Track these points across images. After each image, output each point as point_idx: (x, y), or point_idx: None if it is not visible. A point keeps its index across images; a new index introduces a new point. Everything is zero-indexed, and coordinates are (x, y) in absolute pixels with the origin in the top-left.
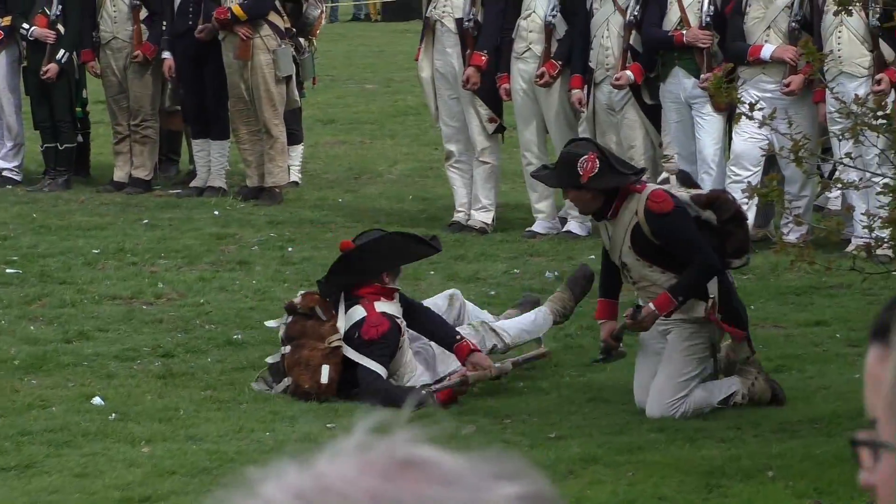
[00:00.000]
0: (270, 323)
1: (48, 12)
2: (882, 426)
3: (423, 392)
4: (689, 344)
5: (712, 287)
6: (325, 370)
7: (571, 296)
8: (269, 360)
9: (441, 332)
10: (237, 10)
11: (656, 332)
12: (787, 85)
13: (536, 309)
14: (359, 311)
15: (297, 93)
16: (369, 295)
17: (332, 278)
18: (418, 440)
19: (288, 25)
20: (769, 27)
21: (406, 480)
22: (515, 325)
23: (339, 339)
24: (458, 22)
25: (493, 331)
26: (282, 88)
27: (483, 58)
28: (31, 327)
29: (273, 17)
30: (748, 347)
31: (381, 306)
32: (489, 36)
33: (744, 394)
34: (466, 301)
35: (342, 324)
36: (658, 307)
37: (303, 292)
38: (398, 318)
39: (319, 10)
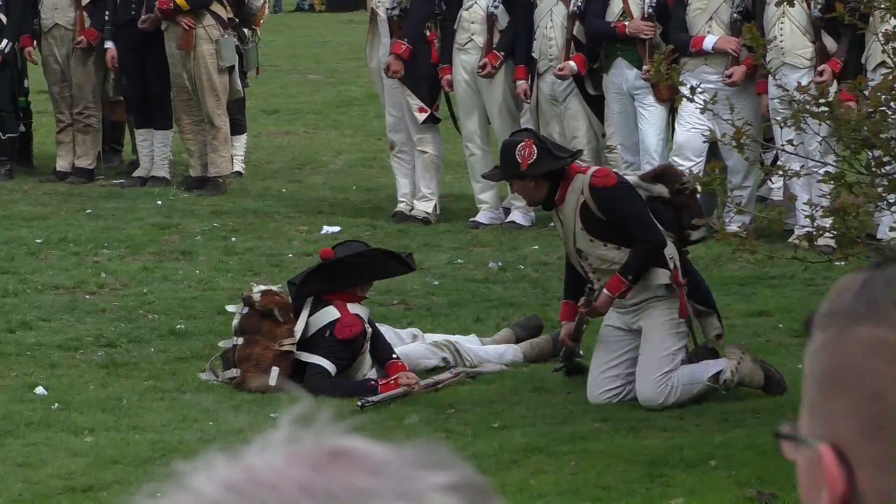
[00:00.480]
0: (230, 307)
1: None
2: (801, 419)
3: (360, 402)
4: (666, 319)
5: (672, 256)
6: (275, 373)
7: (552, 349)
8: (222, 344)
9: (381, 347)
10: (180, 0)
11: (617, 325)
12: (730, 76)
13: (508, 345)
14: (332, 312)
15: (240, 83)
16: (340, 297)
17: (307, 283)
18: (347, 431)
19: (231, 15)
20: (711, 18)
21: (335, 470)
22: (482, 353)
23: (293, 344)
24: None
25: (458, 352)
26: (224, 78)
27: (403, 46)
28: None
29: (216, 6)
30: (718, 323)
31: (354, 308)
32: (412, 25)
33: (732, 371)
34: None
35: (300, 328)
36: (610, 289)
37: (263, 289)
38: (366, 322)
39: (262, 0)
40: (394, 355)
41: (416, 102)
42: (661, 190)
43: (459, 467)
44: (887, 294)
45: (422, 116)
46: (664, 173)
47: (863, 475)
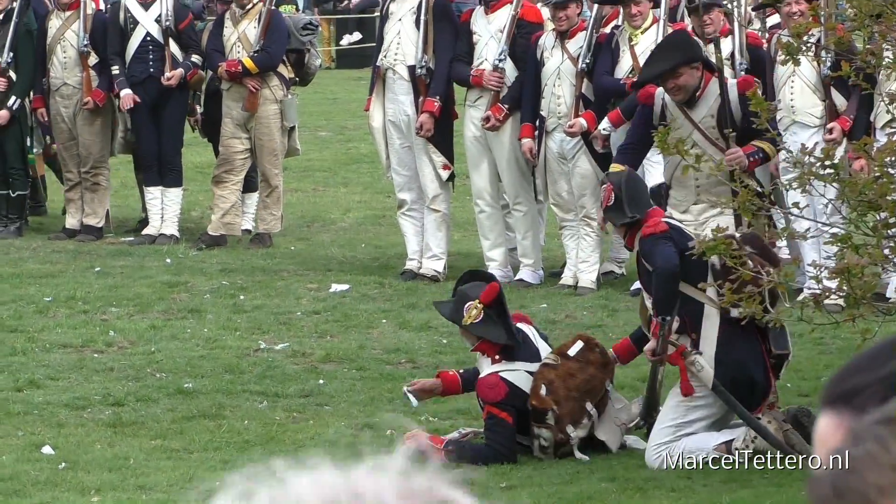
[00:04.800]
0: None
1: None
2: None
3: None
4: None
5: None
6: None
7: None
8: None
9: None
10: (249, 63)
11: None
12: None
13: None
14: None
15: (298, 141)
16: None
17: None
18: (456, 485)
19: (292, 75)
20: None
21: None
22: None
23: None
24: (411, 69)
25: None
26: (284, 138)
27: (436, 104)
28: None
29: (280, 67)
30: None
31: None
32: (441, 83)
33: (745, 439)
34: None
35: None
36: (653, 334)
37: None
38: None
39: (320, 60)
40: None
41: (440, 159)
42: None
43: None
44: None
45: (446, 174)
46: None
47: None
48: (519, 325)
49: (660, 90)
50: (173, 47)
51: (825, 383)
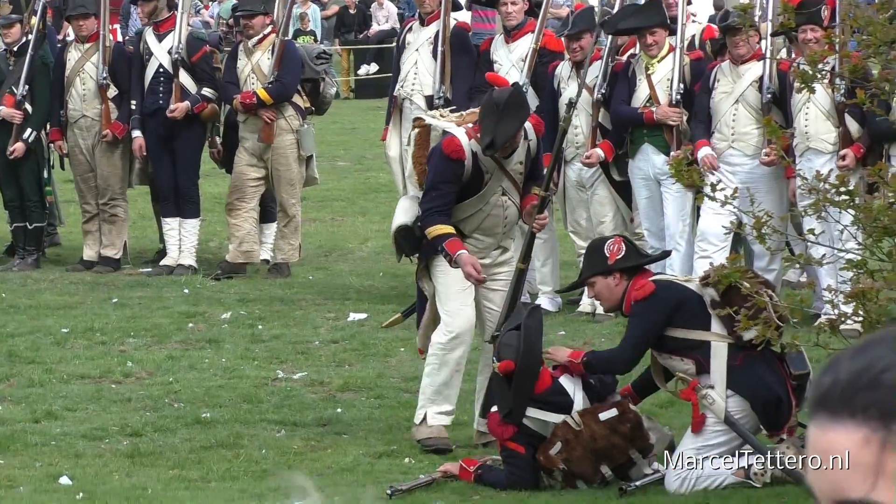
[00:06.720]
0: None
1: (15, 91)
2: None
3: (389, 489)
4: (708, 419)
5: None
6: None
7: None
8: None
9: None
10: (263, 94)
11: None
12: (767, 154)
13: None
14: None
15: (316, 171)
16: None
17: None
18: None
19: (308, 105)
20: (737, 101)
21: None
22: None
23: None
24: (428, 99)
25: None
26: (302, 168)
27: None
28: None
29: (295, 97)
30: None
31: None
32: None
33: (763, 466)
34: None
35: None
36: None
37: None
38: None
39: (335, 89)
40: None
41: None
42: (711, 293)
43: None
44: None
45: None
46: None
47: None
48: (561, 378)
49: (466, 142)
50: (185, 79)
51: (825, 391)
